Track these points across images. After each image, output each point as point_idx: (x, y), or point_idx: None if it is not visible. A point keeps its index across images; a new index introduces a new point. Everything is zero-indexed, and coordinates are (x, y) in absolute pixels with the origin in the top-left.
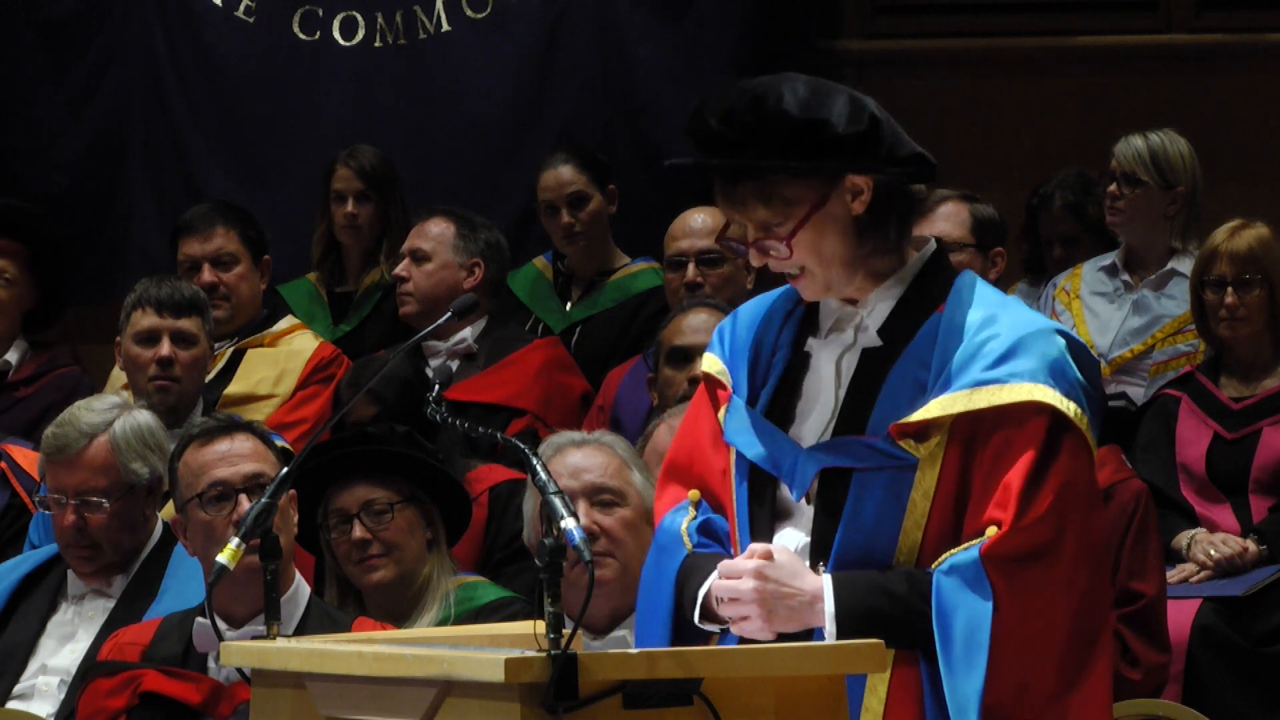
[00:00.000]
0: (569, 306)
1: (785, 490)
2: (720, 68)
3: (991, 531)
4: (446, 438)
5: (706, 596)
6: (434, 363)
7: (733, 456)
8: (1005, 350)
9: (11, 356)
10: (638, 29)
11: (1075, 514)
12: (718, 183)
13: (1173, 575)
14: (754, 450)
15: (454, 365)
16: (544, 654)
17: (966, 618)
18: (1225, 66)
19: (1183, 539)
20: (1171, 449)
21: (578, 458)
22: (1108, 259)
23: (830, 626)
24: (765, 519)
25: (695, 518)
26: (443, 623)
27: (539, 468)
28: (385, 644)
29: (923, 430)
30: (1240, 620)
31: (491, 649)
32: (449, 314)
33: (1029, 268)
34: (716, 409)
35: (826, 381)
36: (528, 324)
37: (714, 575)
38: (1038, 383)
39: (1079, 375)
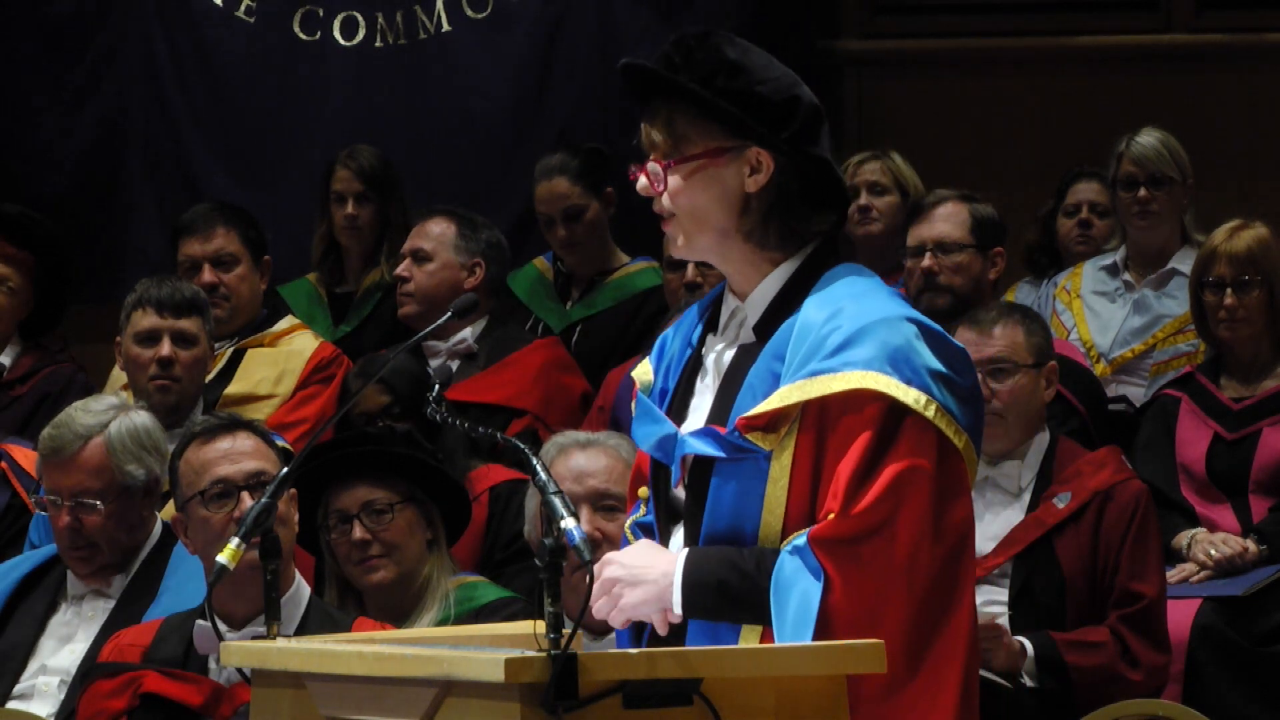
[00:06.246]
0: (569, 306)
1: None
2: None
3: (829, 520)
4: (447, 438)
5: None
6: (434, 363)
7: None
8: (843, 340)
9: (6, 359)
10: (638, 29)
11: (913, 499)
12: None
13: (1173, 575)
14: (648, 442)
15: (454, 365)
16: (544, 654)
17: (799, 597)
18: (1225, 66)
19: (1183, 539)
20: (1171, 449)
21: (582, 460)
22: (1108, 259)
23: (677, 598)
24: (664, 513)
25: (642, 515)
26: (443, 623)
27: (539, 468)
28: (385, 644)
29: (770, 422)
30: (1240, 620)
31: (491, 649)
32: (449, 314)
33: (1032, 264)
34: None
35: (711, 378)
36: (528, 324)
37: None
38: (870, 370)
39: (933, 363)
